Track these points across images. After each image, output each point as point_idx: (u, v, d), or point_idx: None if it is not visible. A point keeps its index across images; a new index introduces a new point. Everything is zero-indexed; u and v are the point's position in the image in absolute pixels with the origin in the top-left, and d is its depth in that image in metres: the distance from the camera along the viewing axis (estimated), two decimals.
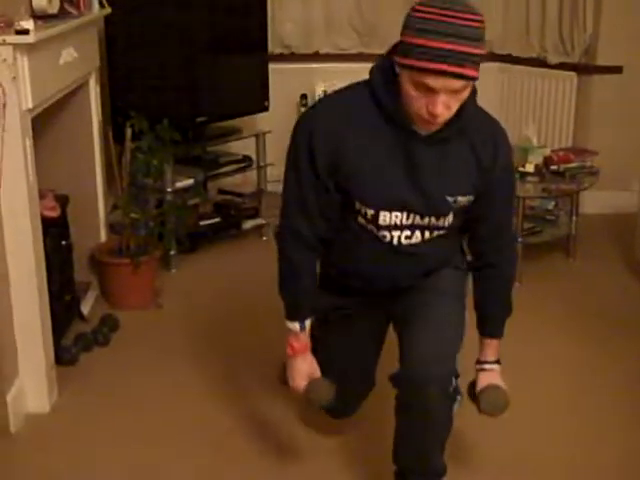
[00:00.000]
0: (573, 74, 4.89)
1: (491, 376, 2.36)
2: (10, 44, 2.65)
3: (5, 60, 2.66)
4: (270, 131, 4.52)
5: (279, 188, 4.94)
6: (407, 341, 2.25)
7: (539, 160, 4.20)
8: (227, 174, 4.44)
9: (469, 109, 2.06)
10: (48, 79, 2.96)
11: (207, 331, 3.56)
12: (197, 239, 4.26)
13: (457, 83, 1.90)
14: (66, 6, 3.26)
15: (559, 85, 4.94)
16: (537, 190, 4.10)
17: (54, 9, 3.11)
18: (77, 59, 3.30)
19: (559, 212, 4.46)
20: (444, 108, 1.95)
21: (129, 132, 3.63)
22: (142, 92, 4.04)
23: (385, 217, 2.14)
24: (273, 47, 4.91)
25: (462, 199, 2.16)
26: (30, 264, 2.83)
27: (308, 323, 2.33)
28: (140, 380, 3.16)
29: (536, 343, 3.49)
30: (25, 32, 2.66)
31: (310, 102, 4.93)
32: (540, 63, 5.01)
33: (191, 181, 4.15)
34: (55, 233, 3.26)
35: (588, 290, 3.97)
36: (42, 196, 3.09)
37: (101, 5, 3.61)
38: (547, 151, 4.31)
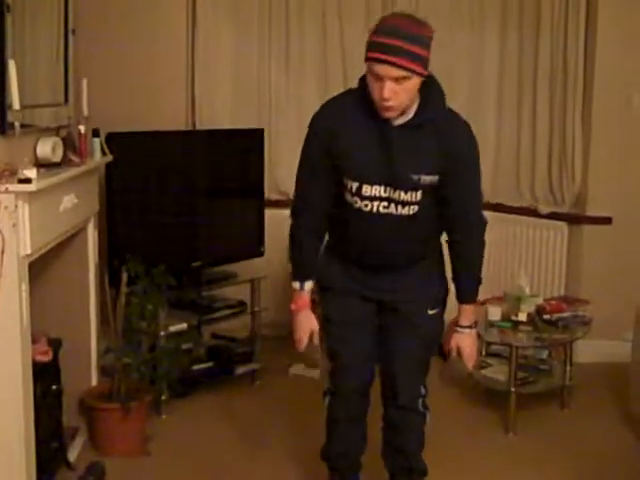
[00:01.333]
0: (564, 224, 4.99)
1: (463, 338, 2.88)
2: (12, 192, 2.71)
3: (7, 207, 2.72)
4: (265, 276, 4.55)
5: (273, 332, 4.99)
6: (387, 373, 2.94)
7: (531, 309, 4.23)
8: (221, 319, 4.45)
9: (436, 106, 2.60)
10: (48, 225, 3.02)
11: None
12: (189, 384, 4.21)
13: (395, 71, 2.41)
14: (69, 155, 3.36)
15: (550, 234, 5.02)
16: (530, 339, 4.11)
17: (57, 158, 3.20)
18: (77, 205, 3.37)
19: (552, 361, 4.44)
20: (391, 93, 2.44)
21: (125, 277, 3.66)
22: (140, 236, 4.10)
23: (367, 189, 2.64)
24: (269, 193, 5.02)
25: (426, 177, 2.61)
26: (18, 411, 2.81)
27: (308, 285, 2.88)
28: None
29: None
30: (27, 181, 2.73)
31: None
32: (531, 212, 5.11)
33: (184, 325, 4.15)
34: (46, 377, 3.24)
35: (583, 443, 3.90)
36: (35, 340, 3.09)
37: (103, 153, 3.71)
38: (539, 300, 4.34)
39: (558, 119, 4.94)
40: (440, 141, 2.60)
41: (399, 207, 2.67)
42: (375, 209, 2.67)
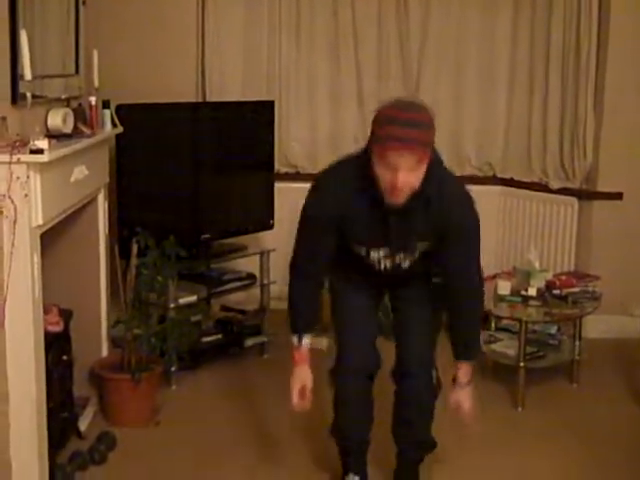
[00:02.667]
0: (574, 199, 4.96)
1: (463, 395, 2.94)
2: (24, 163, 2.71)
3: (19, 178, 2.72)
4: (274, 249, 4.55)
5: (282, 305, 4.99)
6: (401, 347, 3.03)
7: (541, 284, 4.22)
8: (230, 291, 4.46)
9: (431, 183, 2.60)
10: (59, 196, 3.02)
11: (204, 451, 3.51)
12: (199, 356, 4.23)
13: (411, 161, 2.47)
14: (79, 125, 3.36)
15: (560, 209, 5.01)
16: (539, 314, 4.09)
17: (68, 129, 3.20)
18: (88, 176, 3.37)
19: (562, 336, 4.44)
20: (404, 182, 2.50)
21: (135, 248, 3.67)
22: (149, 208, 4.11)
23: (373, 253, 2.81)
24: (279, 166, 5.01)
25: (421, 244, 2.78)
26: (30, 381, 2.82)
27: (306, 341, 2.93)
28: None
29: (539, 471, 3.43)
30: (39, 151, 2.72)
31: None
32: (542, 187, 5.09)
33: (194, 297, 4.16)
34: (57, 348, 3.26)
35: (591, 417, 3.91)
36: (47, 311, 3.10)
37: (113, 124, 3.70)
38: (549, 275, 4.33)
39: (570, 93, 4.90)
40: (433, 216, 2.68)
41: (402, 263, 2.84)
42: (382, 266, 2.84)
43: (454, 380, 2.95)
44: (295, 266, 2.92)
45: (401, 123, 2.45)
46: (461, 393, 2.94)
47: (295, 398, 2.93)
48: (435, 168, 2.62)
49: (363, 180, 2.62)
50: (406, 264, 2.85)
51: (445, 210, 2.68)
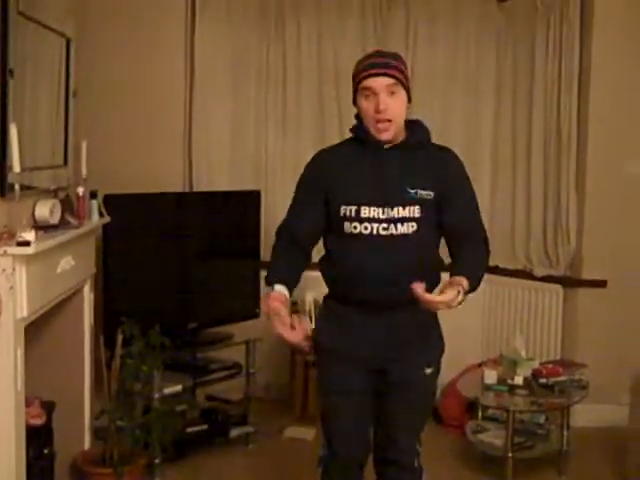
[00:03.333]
0: (559, 287, 4.97)
1: (454, 292, 2.49)
2: (10, 255, 2.71)
3: (4, 270, 2.72)
4: (260, 338, 4.53)
5: (268, 394, 4.92)
6: (382, 434, 2.90)
7: (528, 372, 4.21)
8: (216, 380, 4.41)
9: (423, 134, 2.80)
10: (44, 288, 3.01)
11: None
12: (183, 446, 4.16)
13: (387, 80, 2.65)
14: (67, 216, 3.37)
15: (545, 297, 5.01)
16: (527, 404, 4.07)
17: (55, 220, 3.21)
18: (74, 267, 3.37)
19: (550, 426, 4.40)
20: (385, 105, 2.64)
21: (120, 338, 3.65)
22: (135, 297, 4.10)
23: (365, 211, 2.69)
24: (265, 254, 5.01)
25: (422, 192, 2.71)
26: (10, 476, 2.76)
27: (279, 287, 2.75)
28: None
29: None
30: (26, 244, 2.73)
31: (300, 309, 4.97)
32: (526, 275, 5.12)
33: (179, 387, 4.11)
34: (38, 441, 3.21)
35: None
36: (28, 404, 3.07)
37: (100, 214, 3.72)
38: (535, 363, 4.32)
39: (552, 182, 4.96)
40: (431, 163, 2.77)
41: (398, 225, 2.68)
42: (375, 231, 2.68)
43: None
44: (281, 230, 2.94)
45: (373, 55, 2.74)
46: (452, 288, 2.50)
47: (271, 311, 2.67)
48: (424, 129, 2.81)
49: (355, 138, 2.78)
50: (404, 229, 2.67)
51: (443, 157, 2.81)
